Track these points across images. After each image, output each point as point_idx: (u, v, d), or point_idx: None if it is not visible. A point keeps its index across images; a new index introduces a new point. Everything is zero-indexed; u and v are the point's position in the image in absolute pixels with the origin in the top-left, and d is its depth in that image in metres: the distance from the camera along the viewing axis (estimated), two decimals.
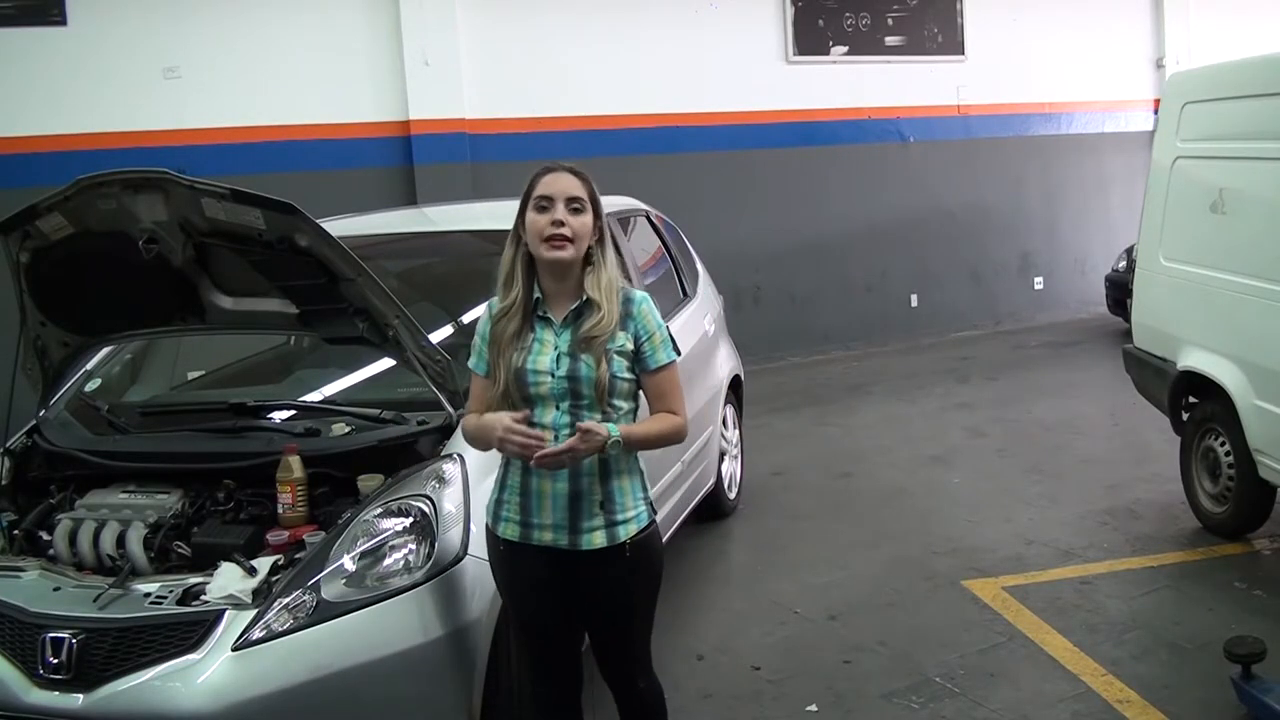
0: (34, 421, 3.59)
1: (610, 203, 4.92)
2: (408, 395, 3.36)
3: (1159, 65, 11.26)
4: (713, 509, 5.41)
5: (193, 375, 4.21)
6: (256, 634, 2.70)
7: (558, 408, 2.50)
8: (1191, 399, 5.04)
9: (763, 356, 9.09)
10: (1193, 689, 3.58)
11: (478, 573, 2.85)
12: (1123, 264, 9.56)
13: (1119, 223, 10.75)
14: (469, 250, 4.39)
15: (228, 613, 2.74)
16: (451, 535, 2.91)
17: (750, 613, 4.45)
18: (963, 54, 10.52)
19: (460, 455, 3.02)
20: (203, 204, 3.04)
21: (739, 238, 9.41)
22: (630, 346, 2.53)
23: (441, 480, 3.00)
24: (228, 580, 2.81)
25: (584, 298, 2.53)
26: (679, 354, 2.63)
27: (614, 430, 2.44)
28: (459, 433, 2.86)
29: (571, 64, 9.02)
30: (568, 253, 2.49)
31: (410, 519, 2.91)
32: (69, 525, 3.14)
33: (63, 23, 7.61)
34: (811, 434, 7.31)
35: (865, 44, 10.09)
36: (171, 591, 2.84)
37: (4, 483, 3.42)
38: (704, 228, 7.56)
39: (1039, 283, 11.16)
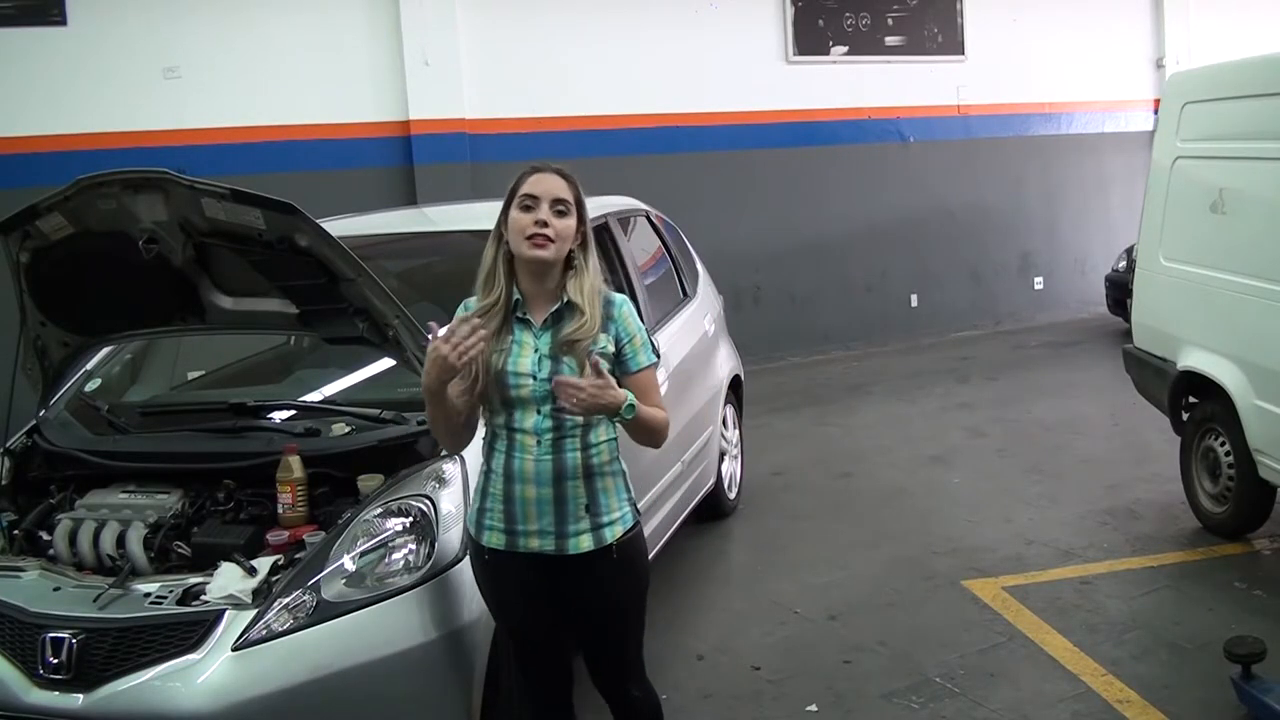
0: (34, 421, 3.58)
1: (610, 203, 5.01)
2: (408, 395, 3.34)
3: (1159, 65, 11.25)
4: (713, 509, 5.42)
5: (193, 375, 4.21)
6: (256, 634, 2.69)
7: (539, 411, 2.47)
8: (1191, 399, 5.04)
9: (763, 356, 9.08)
10: (1193, 689, 3.58)
11: None
12: (1123, 264, 9.55)
13: (1119, 223, 10.74)
14: (469, 250, 4.31)
15: (228, 613, 2.74)
16: (451, 535, 2.91)
17: (750, 613, 4.45)
18: (963, 54, 10.51)
19: (460, 455, 3.02)
20: (203, 204, 3.04)
21: (739, 238, 9.40)
22: (611, 349, 2.52)
23: (441, 480, 3.00)
24: (228, 580, 2.81)
25: (564, 300, 2.51)
26: (658, 356, 2.63)
27: (631, 396, 2.42)
28: None
29: (571, 64, 9.02)
30: (549, 252, 2.46)
31: (410, 519, 2.91)
32: (69, 525, 3.14)
33: (63, 23, 7.61)
34: (811, 434, 7.31)
35: (865, 44, 10.08)
36: (171, 591, 2.84)
37: (4, 483, 3.42)
38: (704, 228, 7.55)
39: (1039, 283, 11.16)
